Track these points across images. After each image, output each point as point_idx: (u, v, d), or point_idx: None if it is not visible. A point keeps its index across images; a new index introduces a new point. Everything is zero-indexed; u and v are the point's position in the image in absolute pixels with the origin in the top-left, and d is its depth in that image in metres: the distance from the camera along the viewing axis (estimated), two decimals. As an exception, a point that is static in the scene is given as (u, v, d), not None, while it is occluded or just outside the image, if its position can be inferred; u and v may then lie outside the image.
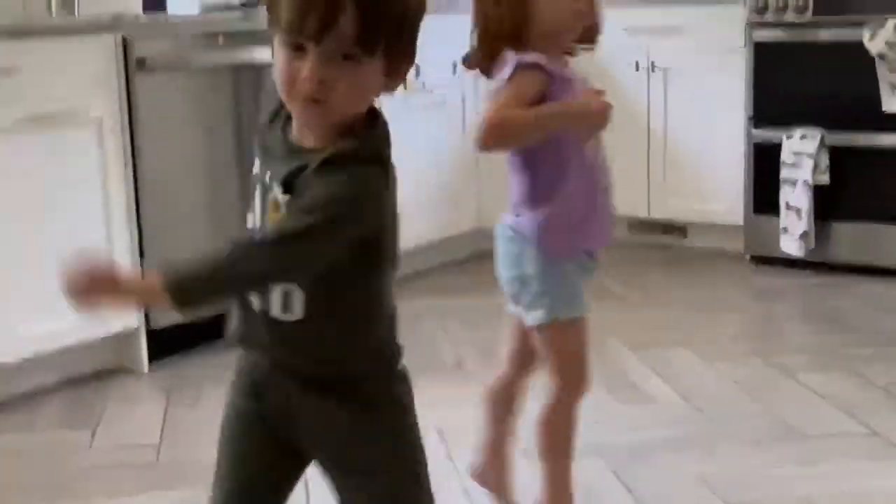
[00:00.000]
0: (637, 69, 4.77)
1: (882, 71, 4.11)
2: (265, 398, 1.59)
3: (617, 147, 4.68)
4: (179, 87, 3.51)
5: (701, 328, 3.69)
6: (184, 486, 2.63)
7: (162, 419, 3.08)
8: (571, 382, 2.13)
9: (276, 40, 1.41)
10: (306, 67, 1.35)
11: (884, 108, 4.13)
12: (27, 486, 2.67)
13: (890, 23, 4.05)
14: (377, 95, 1.45)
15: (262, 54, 3.65)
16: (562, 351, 2.13)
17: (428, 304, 4.04)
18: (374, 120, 1.49)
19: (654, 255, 4.77)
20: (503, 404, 2.32)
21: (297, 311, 1.52)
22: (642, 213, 4.89)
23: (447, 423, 2.94)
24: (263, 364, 1.60)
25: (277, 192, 1.48)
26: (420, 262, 4.52)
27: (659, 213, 4.87)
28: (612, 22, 4.69)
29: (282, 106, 1.52)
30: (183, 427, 3.02)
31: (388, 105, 4.23)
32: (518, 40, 2.03)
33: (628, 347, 3.49)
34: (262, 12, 3.87)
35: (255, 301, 1.53)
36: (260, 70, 3.64)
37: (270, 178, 1.50)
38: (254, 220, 1.55)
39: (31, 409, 3.19)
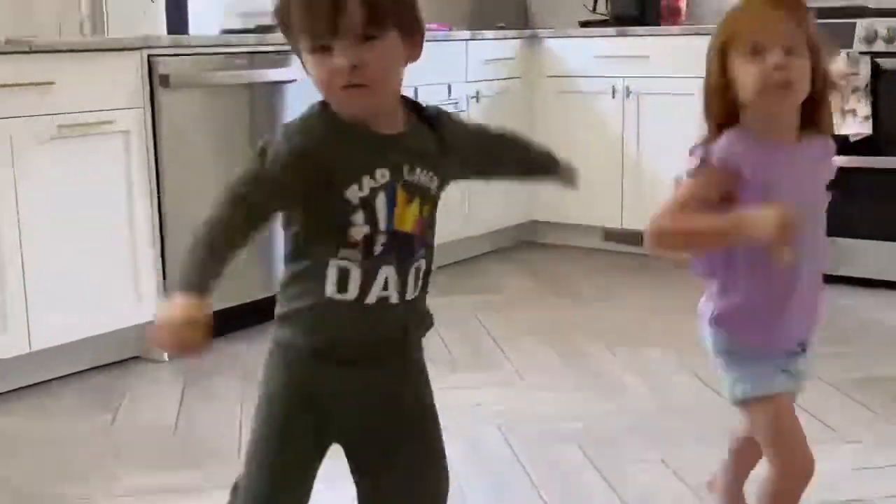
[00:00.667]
0: (613, 95, 4.83)
1: (834, 99, 4.20)
2: (325, 407, 1.58)
3: (594, 164, 4.85)
4: (200, 102, 3.54)
5: (668, 328, 3.68)
6: (197, 464, 2.63)
7: (179, 403, 3.08)
8: (785, 465, 1.86)
9: (304, 54, 1.47)
10: (337, 59, 1.40)
11: (836, 132, 4.21)
12: (54, 464, 2.67)
13: (842, 54, 4.12)
14: (405, 65, 1.50)
15: (276, 74, 3.71)
16: (766, 429, 1.87)
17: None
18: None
19: (626, 262, 4.76)
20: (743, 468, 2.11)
21: (423, 287, 1.62)
22: (616, 224, 4.95)
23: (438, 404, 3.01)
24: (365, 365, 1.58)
25: (421, 173, 1.54)
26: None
27: (631, 224, 4.83)
28: (588, 49, 4.90)
29: (321, 123, 1.52)
30: (197, 410, 3.03)
31: None
32: (734, 117, 1.69)
33: (601, 344, 3.53)
34: (277, 35, 3.96)
35: (393, 294, 1.53)
36: (274, 87, 3.70)
37: (396, 167, 1.50)
38: (373, 224, 1.50)
39: (59, 391, 3.20)
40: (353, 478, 1.68)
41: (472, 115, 4.71)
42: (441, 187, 1.61)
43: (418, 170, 1.54)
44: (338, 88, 1.44)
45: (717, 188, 1.69)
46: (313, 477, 1.64)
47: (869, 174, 4.19)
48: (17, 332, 3.12)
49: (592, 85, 4.89)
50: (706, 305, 1.88)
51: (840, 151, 4.06)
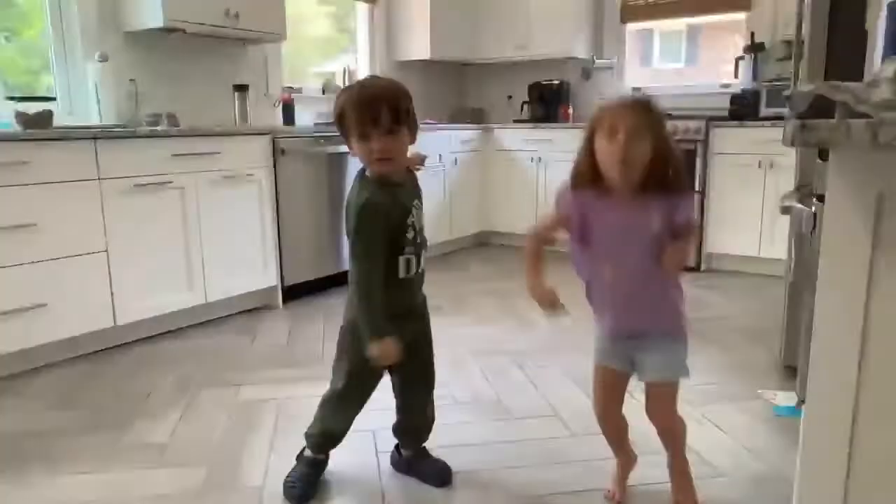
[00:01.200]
0: (532, 161, 4.83)
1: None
2: (399, 322, 1.58)
3: (521, 199, 4.85)
4: (301, 164, 3.50)
5: (561, 291, 3.64)
6: (302, 366, 2.62)
7: (288, 332, 3.06)
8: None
9: (352, 140, 1.51)
10: (375, 143, 1.47)
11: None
12: (219, 365, 2.67)
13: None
14: (409, 146, 1.55)
15: (343, 149, 3.77)
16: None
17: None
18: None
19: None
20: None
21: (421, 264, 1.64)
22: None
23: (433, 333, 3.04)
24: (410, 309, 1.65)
25: (417, 202, 1.61)
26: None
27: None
28: (518, 136, 4.90)
29: (382, 194, 1.52)
30: (298, 335, 3.00)
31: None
32: (599, 179, 1.47)
33: (524, 300, 3.45)
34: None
35: (414, 267, 1.59)
36: (341, 156, 3.67)
37: (416, 198, 1.60)
38: (414, 230, 1.58)
39: (220, 325, 3.18)
40: (389, 372, 1.71)
41: (454, 171, 4.76)
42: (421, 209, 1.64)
43: (415, 200, 1.61)
44: (374, 159, 1.50)
45: (559, 223, 1.61)
46: (374, 384, 1.70)
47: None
48: (197, 289, 3.12)
49: (521, 155, 4.90)
50: None
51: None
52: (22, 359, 2.59)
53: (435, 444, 1.97)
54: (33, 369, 2.63)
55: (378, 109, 1.45)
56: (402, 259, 1.57)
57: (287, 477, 1.74)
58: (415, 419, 1.81)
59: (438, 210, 4.64)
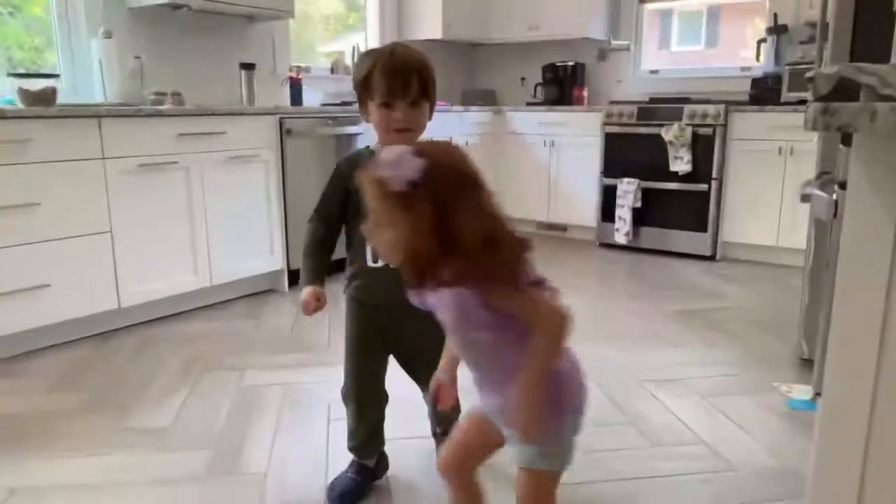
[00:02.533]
0: (544, 144, 4.81)
1: (670, 149, 4.15)
2: (380, 314, 1.54)
3: (532, 183, 4.85)
4: (308, 145, 3.50)
5: (572, 279, 3.70)
6: (307, 351, 2.62)
7: (294, 316, 3.05)
8: None
9: (371, 105, 1.42)
10: (399, 113, 1.40)
11: (671, 169, 4.17)
12: (223, 349, 2.67)
13: (675, 124, 4.11)
14: (428, 122, 1.48)
15: (351, 129, 3.68)
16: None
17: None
18: None
19: (549, 241, 4.73)
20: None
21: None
22: (543, 218, 4.91)
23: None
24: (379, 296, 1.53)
25: None
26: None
27: (553, 219, 4.86)
28: (531, 119, 4.88)
29: (364, 160, 1.38)
30: (303, 320, 2.94)
31: None
32: None
33: None
34: (352, 108, 3.99)
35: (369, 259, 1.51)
36: (349, 137, 3.67)
37: None
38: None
39: (225, 308, 3.19)
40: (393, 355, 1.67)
41: (463, 155, 4.74)
42: None
43: None
44: (393, 130, 1.42)
45: None
46: (379, 362, 1.63)
47: (688, 194, 4.20)
48: (202, 272, 3.13)
49: (533, 139, 4.86)
50: None
51: (673, 180, 4.19)
52: (24, 340, 2.61)
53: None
54: (35, 350, 2.65)
55: (409, 77, 1.40)
56: (370, 246, 1.50)
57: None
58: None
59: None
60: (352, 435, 1.67)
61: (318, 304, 1.47)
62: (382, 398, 1.67)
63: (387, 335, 1.58)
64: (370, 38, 5.06)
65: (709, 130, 4.07)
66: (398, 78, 1.40)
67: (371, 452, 1.69)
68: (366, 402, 1.64)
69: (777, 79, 4.13)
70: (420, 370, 1.61)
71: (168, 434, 1.98)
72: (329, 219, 1.53)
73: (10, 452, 1.88)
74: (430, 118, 1.49)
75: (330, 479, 1.73)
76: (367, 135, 3.88)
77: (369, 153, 1.47)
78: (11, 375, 2.43)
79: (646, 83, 5.01)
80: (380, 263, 1.50)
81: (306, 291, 1.47)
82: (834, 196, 1.05)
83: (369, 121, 1.47)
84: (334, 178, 1.52)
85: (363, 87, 1.44)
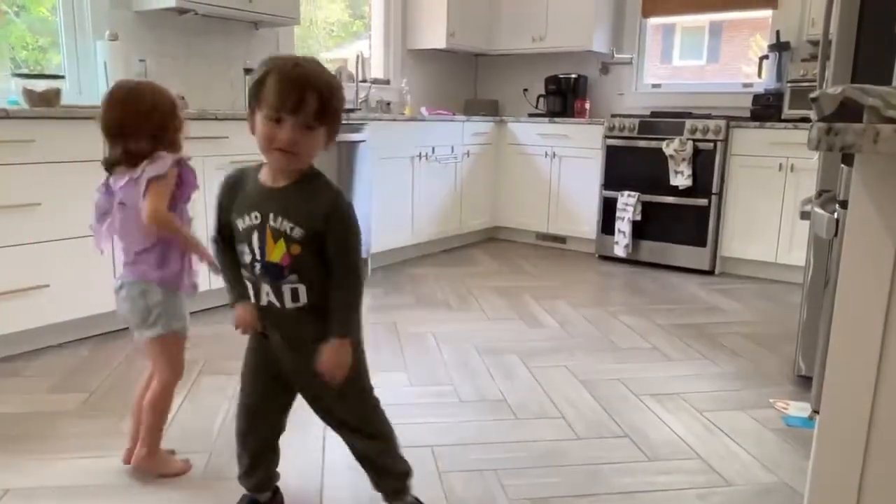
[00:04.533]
0: (546, 156, 4.81)
1: (670, 163, 4.15)
2: (275, 354, 1.45)
3: (533, 195, 4.86)
4: None
5: (571, 290, 3.70)
6: None
7: None
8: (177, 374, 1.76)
9: (259, 116, 1.26)
10: (285, 131, 1.23)
11: (671, 183, 4.18)
12: (221, 352, 2.64)
13: (676, 139, 4.13)
14: (321, 150, 1.31)
15: (354, 137, 3.67)
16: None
17: (432, 270, 4.20)
18: (317, 170, 1.36)
19: (549, 252, 4.73)
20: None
21: (303, 301, 1.36)
22: (544, 229, 4.91)
23: (438, 329, 3.04)
24: (274, 335, 1.43)
25: (282, 222, 1.31)
26: (431, 247, 4.68)
27: (553, 230, 4.86)
28: (533, 130, 4.89)
29: (241, 174, 1.39)
30: None
31: (423, 168, 4.29)
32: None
33: (533, 299, 3.51)
34: (357, 114, 3.99)
35: (264, 298, 1.37)
36: (353, 144, 3.65)
37: (264, 215, 1.32)
38: (252, 253, 1.35)
39: (222, 312, 3.11)
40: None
41: (466, 164, 4.75)
42: (307, 237, 1.31)
43: (280, 219, 1.31)
44: (273, 148, 1.26)
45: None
46: (280, 398, 1.53)
47: (688, 209, 4.21)
48: (202, 275, 3.11)
49: (535, 150, 4.87)
50: (156, 272, 1.70)
51: (674, 194, 4.20)
52: (22, 340, 2.61)
53: (438, 442, 1.97)
54: (33, 351, 2.64)
55: (306, 94, 1.23)
56: (246, 279, 1.41)
57: None
58: (360, 460, 1.55)
59: (448, 203, 4.64)
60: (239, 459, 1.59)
61: (252, 318, 1.39)
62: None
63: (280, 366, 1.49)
64: (374, 46, 5.08)
65: (709, 145, 4.08)
66: (294, 91, 1.23)
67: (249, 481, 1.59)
68: (252, 429, 1.57)
69: (778, 96, 4.15)
70: (326, 418, 1.53)
71: (166, 436, 1.97)
72: (226, 240, 1.43)
73: (7, 452, 1.87)
74: (325, 147, 1.32)
75: (325, 485, 1.73)
76: (369, 142, 3.89)
77: (254, 175, 1.38)
78: (10, 375, 2.42)
79: (647, 97, 5.03)
80: (261, 300, 1.40)
81: (238, 308, 1.40)
82: (835, 214, 1.06)
83: (254, 132, 1.31)
84: (218, 195, 1.43)
85: (253, 93, 1.28)
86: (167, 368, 1.74)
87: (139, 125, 1.61)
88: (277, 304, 1.36)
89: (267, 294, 1.37)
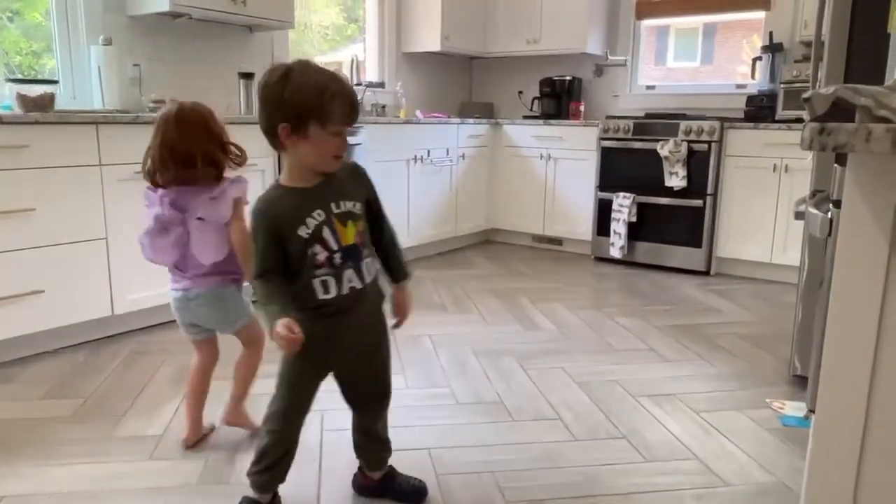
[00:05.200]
0: (541, 158, 4.81)
1: (665, 165, 4.16)
2: (332, 352, 1.48)
3: (528, 197, 4.86)
4: None
5: (567, 292, 3.70)
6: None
7: None
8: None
9: (321, 132, 1.31)
10: (343, 140, 1.35)
11: (666, 184, 4.18)
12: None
13: (671, 140, 4.14)
14: None
15: (350, 140, 3.77)
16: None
17: (430, 273, 4.20)
18: None
19: (545, 254, 4.74)
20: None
21: (374, 271, 1.49)
22: (539, 231, 4.90)
23: (435, 332, 3.04)
24: (352, 322, 1.47)
25: (344, 204, 1.40)
26: (424, 250, 4.67)
27: (549, 232, 4.85)
28: (527, 132, 4.89)
29: (269, 203, 1.38)
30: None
31: (418, 171, 4.29)
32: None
33: (529, 301, 3.51)
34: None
35: (346, 286, 1.42)
36: (349, 147, 3.72)
37: (325, 208, 1.39)
38: (328, 248, 1.40)
39: None
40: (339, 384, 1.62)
41: (461, 167, 4.75)
42: (362, 208, 1.46)
43: (341, 203, 1.42)
44: (333, 156, 1.36)
45: None
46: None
47: (683, 209, 4.21)
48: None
49: (530, 152, 4.87)
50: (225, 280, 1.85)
51: (669, 195, 4.21)
52: (17, 346, 2.60)
53: (435, 444, 1.97)
54: (28, 357, 2.63)
55: (357, 108, 1.37)
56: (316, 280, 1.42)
57: None
58: (371, 437, 1.66)
59: (444, 206, 4.64)
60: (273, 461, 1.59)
61: (296, 334, 1.33)
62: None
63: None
64: (369, 49, 5.08)
65: (704, 146, 4.09)
66: (355, 107, 1.35)
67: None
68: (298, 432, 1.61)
69: (772, 96, 4.17)
70: (369, 394, 1.62)
71: (161, 442, 1.97)
72: (276, 270, 1.41)
73: (3, 459, 1.86)
74: None
75: (322, 489, 1.72)
76: (364, 145, 3.89)
77: (282, 191, 1.41)
78: (4, 381, 2.42)
79: (642, 99, 5.04)
80: (332, 293, 1.42)
81: (280, 324, 1.32)
82: (828, 214, 1.06)
83: (289, 147, 1.35)
84: (260, 229, 1.39)
85: (315, 109, 1.31)
86: (259, 341, 1.95)
87: (206, 145, 1.79)
88: (359, 286, 1.45)
89: (349, 280, 1.43)
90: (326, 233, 1.39)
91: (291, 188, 1.40)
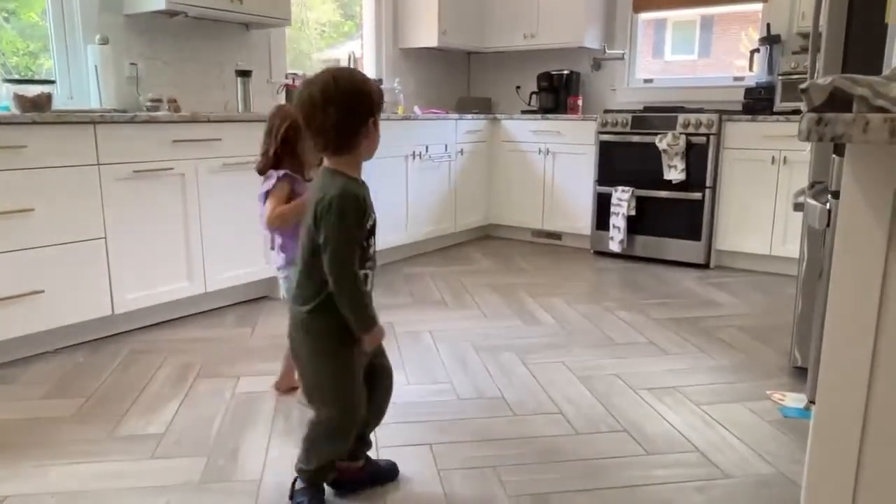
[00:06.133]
0: (539, 152, 4.82)
1: (664, 158, 4.16)
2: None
3: (527, 192, 4.86)
4: None
5: (566, 287, 3.70)
6: None
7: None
8: None
9: (373, 123, 1.41)
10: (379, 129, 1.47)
11: (665, 177, 4.18)
12: (218, 356, 2.65)
13: (669, 133, 4.14)
14: None
15: None
16: None
17: (428, 269, 4.21)
18: None
19: (544, 249, 4.74)
20: None
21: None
22: (538, 226, 4.90)
23: (435, 328, 3.06)
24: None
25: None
26: (424, 246, 4.67)
27: (548, 226, 4.86)
28: (526, 127, 4.89)
29: (362, 193, 1.43)
30: None
31: (416, 166, 4.30)
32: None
33: (529, 295, 3.51)
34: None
35: (370, 283, 1.51)
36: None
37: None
38: (375, 242, 1.51)
39: (219, 315, 3.17)
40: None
41: (460, 162, 4.75)
42: None
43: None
44: (375, 148, 1.48)
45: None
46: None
47: (682, 203, 4.21)
48: (197, 279, 3.11)
49: (528, 147, 4.87)
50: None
51: (667, 188, 4.21)
52: (17, 346, 2.60)
53: (438, 440, 1.97)
54: (29, 357, 2.63)
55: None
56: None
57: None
58: (378, 421, 1.72)
59: (443, 201, 4.64)
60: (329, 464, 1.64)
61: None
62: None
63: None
64: (366, 45, 5.07)
65: (702, 139, 4.09)
66: (382, 101, 1.47)
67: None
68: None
69: (770, 88, 4.16)
70: (386, 378, 1.70)
71: (162, 441, 1.97)
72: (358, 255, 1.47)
73: (4, 459, 1.86)
74: None
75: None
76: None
77: (359, 182, 1.46)
78: (4, 382, 2.41)
79: (640, 92, 5.03)
80: (370, 287, 1.52)
81: (380, 329, 1.49)
82: (827, 205, 1.06)
83: (364, 141, 1.43)
84: (359, 219, 1.41)
85: (380, 102, 1.44)
86: None
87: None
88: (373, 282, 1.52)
89: (374, 276, 1.52)
90: (376, 227, 1.51)
91: (361, 181, 1.47)
